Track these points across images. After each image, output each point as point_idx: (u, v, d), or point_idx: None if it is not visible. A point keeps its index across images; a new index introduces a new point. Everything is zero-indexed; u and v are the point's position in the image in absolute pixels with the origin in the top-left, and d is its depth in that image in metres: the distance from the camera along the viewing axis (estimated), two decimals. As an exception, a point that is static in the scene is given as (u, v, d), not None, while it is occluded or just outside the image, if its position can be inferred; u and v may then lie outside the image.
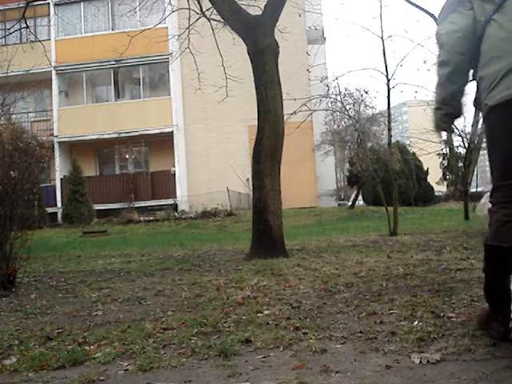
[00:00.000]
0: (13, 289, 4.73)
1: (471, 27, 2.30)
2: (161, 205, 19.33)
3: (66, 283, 5.08)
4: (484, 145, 3.01)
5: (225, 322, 2.89)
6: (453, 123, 2.50)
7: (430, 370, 1.96)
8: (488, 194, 2.37)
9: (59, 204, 19.40)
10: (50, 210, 17.73)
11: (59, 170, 19.73)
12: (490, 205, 2.28)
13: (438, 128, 2.50)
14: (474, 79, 2.39)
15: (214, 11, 7.49)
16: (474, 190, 17.03)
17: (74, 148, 21.33)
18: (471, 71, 2.39)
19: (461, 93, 2.38)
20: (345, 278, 4.20)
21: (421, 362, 2.04)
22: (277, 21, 6.89)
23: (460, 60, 2.32)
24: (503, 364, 1.96)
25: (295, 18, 10.88)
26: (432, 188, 28.66)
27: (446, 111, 2.40)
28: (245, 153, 17.36)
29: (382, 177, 13.57)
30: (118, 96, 22.00)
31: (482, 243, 2.34)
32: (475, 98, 2.41)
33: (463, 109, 2.41)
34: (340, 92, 13.99)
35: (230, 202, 17.98)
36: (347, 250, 6.60)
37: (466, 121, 14.74)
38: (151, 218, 17.42)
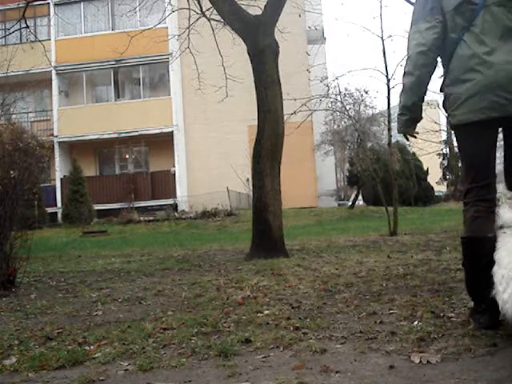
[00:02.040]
0: (13, 289, 4.73)
1: (437, 41, 2.45)
2: (161, 205, 19.33)
3: (66, 283, 5.08)
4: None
5: (225, 322, 2.89)
6: (415, 128, 2.65)
7: (430, 370, 1.96)
8: None
9: (59, 204, 19.39)
10: (50, 210, 17.72)
11: (59, 169, 19.73)
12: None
13: (403, 132, 2.66)
14: (441, 90, 2.56)
15: (214, 11, 7.49)
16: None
17: (74, 148, 21.33)
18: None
19: (421, 101, 2.56)
20: (345, 278, 4.20)
21: (421, 361, 2.04)
22: (277, 21, 6.89)
23: (424, 72, 2.49)
24: (503, 364, 1.96)
25: (295, 17, 10.86)
26: (432, 188, 28.63)
27: (409, 117, 2.57)
28: (245, 153, 17.33)
29: (382, 177, 13.56)
30: (117, 96, 21.99)
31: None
32: (443, 105, 2.59)
33: (421, 115, 2.60)
34: (340, 92, 14.03)
35: (230, 202, 17.97)
36: (347, 250, 6.60)
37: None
38: (151, 218, 17.41)
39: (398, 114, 2.60)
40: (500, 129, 2.51)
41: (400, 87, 2.69)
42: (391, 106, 10.35)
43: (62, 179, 19.89)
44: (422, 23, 2.46)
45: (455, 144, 17.69)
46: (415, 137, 2.69)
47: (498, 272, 2.13)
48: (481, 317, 2.36)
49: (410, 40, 2.54)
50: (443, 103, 2.58)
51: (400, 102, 2.58)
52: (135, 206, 19.06)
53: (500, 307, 2.08)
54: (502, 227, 2.30)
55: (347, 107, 15.10)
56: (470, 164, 2.48)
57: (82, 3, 21.07)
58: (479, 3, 2.35)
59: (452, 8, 2.40)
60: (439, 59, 2.55)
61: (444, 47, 2.47)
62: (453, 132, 2.65)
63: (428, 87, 2.57)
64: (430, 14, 2.44)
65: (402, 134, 2.72)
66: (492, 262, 2.20)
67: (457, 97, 2.42)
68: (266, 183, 6.34)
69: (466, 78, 2.38)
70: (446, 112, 2.57)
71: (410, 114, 2.56)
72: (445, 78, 2.52)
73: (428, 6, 2.45)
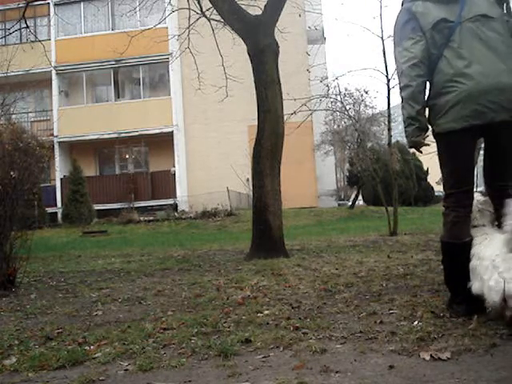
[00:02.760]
0: (13, 289, 4.73)
1: (426, 53, 2.63)
2: (161, 205, 19.32)
3: (66, 283, 5.08)
4: (483, 145, 3.17)
5: (225, 322, 2.89)
6: (424, 138, 2.75)
7: (430, 370, 1.96)
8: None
9: (59, 204, 19.38)
10: (50, 210, 17.70)
11: (59, 169, 19.71)
12: (479, 206, 2.71)
13: (414, 143, 2.76)
14: (426, 104, 2.70)
15: (214, 11, 7.49)
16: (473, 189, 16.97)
17: (74, 148, 21.32)
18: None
19: (424, 109, 2.69)
20: (345, 278, 4.20)
21: (432, 357, 2.06)
22: (277, 21, 6.89)
23: (420, 81, 2.64)
24: (503, 364, 1.97)
25: (295, 17, 10.86)
26: (432, 188, 28.59)
27: (416, 126, 2.68)
28: (245, 153, 17.32)
29: (382, 177, 13.55)
30: (117, 96, 21.98)
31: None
32: (428, 117, 2.73)
33: (427, 123, 2.72)
34: (340, 92, 14.00)
35: (230, 201, 17.96)
36: (347, 249, 6.60)
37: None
38: (151, 218, 17.40)
39: (405, 127, 2.71)
40: (480, 139, 2.73)
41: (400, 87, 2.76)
42: (391, 105, 10.34)
43: (62, 179, 19.88)
44: (407, 41, 2.64)
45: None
46: (428, 144, 2.76)
47: (482, 264, 2.43)
48: (458, 306, 2.63)
49: (398, 60, 2.71)
50: (428, 115, 2.72)
51: (404, 114, 2.71)
52: (135, 205, 19.05)
53: (486, 294, 2.36)
54: (475, 226, 2.67)
55: (347, 107, 15.07)
56: (451, 171, 2.68)
57: (81, 3, 21.06)
58: (455, 21, 2.58)
59: (430, 27, 2.61)
60: None
61: (428, 58, 2.63)
62: (435, 141, 2.76)
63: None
64: (412, 33, 2.64)
65: (412, 147, 2.83)
66: (468, 260, 2.55)
67: (440, 107, 2.60)
68: (266, 183, 6.34)
69: (447, 90, 2.56)
70: (431, 123, 2.70)
71: (417, 123, 2.67)
72: (429, 92, 2.68)
73: (408, 26, 2.66)
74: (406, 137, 2.76)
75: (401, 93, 2.72)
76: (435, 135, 2.70)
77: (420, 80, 2.62)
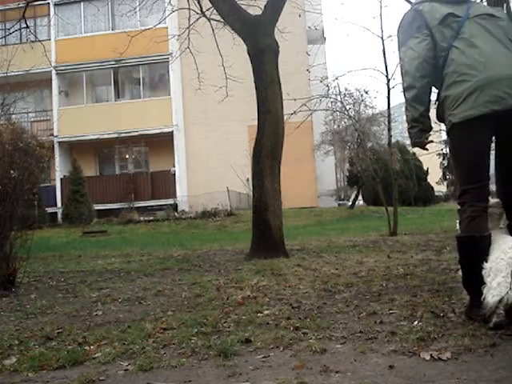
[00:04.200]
0: (13, 289, 4.73)
1: (431, 52, 2.58)
2: (161, 205, 19.32)
3: (66, 283, 5.08)
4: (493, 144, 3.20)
5: (225, 322, 2.89)
6: (427, 138, 2.73)
7: (430, 370, 1.96)
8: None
9: (59, 204, 19.38)
10: (50, 210, 17.71)
11: (59, 169, 19.71)
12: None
13: (417, 144, 2.74)
14: (437, 100, 2.67)
15: (214, 11, 7.49)
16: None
17: (74, 148, 21.32)
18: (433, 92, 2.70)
19: (428, 110, 2.66)
20: (345, 278, 4.20)
21: (432, 357, 2.05)
22: (277, 21, 6.89)
23: (424, 83, 2.60)
24: (503, 364, 1.96)
25: (295, 18, 10.86)
26: (432, 188, 28.62)
27: (420, 128, 2.66)
28: (245, 153, 17.32)
29: (382, 177, 13.53)
30: (118, 96, 21.98)
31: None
32: (437, 114, 2.69)
33: (431, 124, 2.70)
34: (340, 92, 14.00)
35: (229, 202, 17.97)
36: (347, 249, 6.60)
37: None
38: (151, 218, 17.41)
39: (409, 129, 2.69)
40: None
41: (400, 87, 2.75)
42: (391, 105, 10.35)
43: (62, 179, 19.88)
44: (412, 40, 2.61)
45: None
46: (432, 141, 2.74)
47: (485, 266, 2.39)
48: (480, 310, 2.43)
49: (402, 59, 2.67)
50: (437, 111, 2.68)
51: (407, 116, 2.68)
52: (135, 205, 19.05)
53: (484, 294, 2.32)
54: None
55: (347, 107, 15.08)
56: (467, 165, 2.56)
57: (81, 3, 21.06)
58: (463, 16, 2.55)
59: (437, 22, 2.57)
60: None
61: (434, 57, 2.59)
62: (448, 135, 2.70)
63: (430, 97, 2.67)
64: (417, 31, 2.60)
65: (417, 147, 2.79)
66: (487, 257, 2.41)
67: (456, 97, 2.51)
68: (266, 183, 6.34)
69: (463, 78, 2.50)
70: (443, 117, 2.64)
71: (420, 126, 2.65)
72: (441, 86, 2.62)
73: (414, 25, 2.62)
74: (410, 138, 2.74)
75: (404, 93, 2.68)
76: (449, 129, 2.60)
77: (424, 81, 2.59)
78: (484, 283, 2.36)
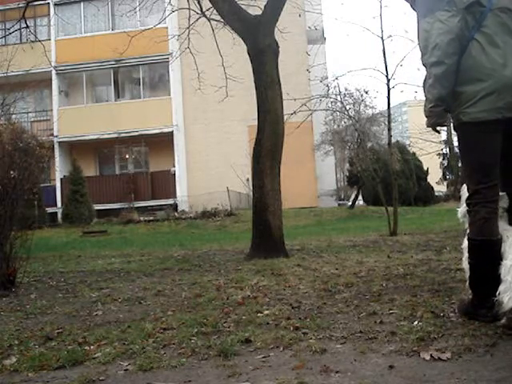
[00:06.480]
0: (13, 289, 4.73)
1: (462, 31, 2.42)
2: (161, 205, 19.32)
3: (66, 283, 5.08)
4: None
5: (225, 322, 2.89)
6: (446, 119, 2.60)
7: (430, 370, 1.96)
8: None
9: (59, 204, 19.38)
10: (50, 210, 17.71)
11: (59, 169, 19.70)
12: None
13: (437, 124, 2.60)
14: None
15: (214, 11, 7.49)
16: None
17: (74, 148, 21.32)
18: None
19: (452, 91, 2.48)
20: (345, 278, 4.20)
21: (432, 357, 2.05)
22: (277, 21, 6.88)
23: (454, 60, 2.43)
24: (503, 364, 1.96)
25: (295, 18, 10.86)
26: (432, 188, 28.64)
27: (443, 108, 2.51)
28: (245, 153, 17.33)
29: (382, 177, 13.54)
30: (118, 96, 21.99)
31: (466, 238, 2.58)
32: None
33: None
34: (340, 92, 14.02)
35: (229, 201, 17.97)
36: (347, 249, 6.60)
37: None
38: (151, 218, 17.41)
39: (431, 107, 2.51)
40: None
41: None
42: (391, 105, 10.35)
43: (62, 179, 19.88)
44: (442, 12, 2.40)
45: (455, 144, 17.72)
46: (447, 125, 2.61)
47: (505, 264, 2.30)
48: (488, 311, 2.41)
49: (428, 30, 2.45)
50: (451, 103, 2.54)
51: (433, 94, 2.48)
52: (135, 206, 19.05)
53: (501, 292, 2.26)
54: None
55: (347, 107, 15.09)
56: (478, 164, 2.48)
57: (81, 3, 21.06)
58: (487, 6, 2.42)
59: (464, 7, 2.41)
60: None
61: (463, 36, 2.43)
62: (456, 131, 2.62)
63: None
64: (448, 5, 2.41)
65: (433, 128, 2.67)
66: (500, 260, 2.35)
67: (471, 95, 2.42)
68: (266, 183, 6.34)
69: (481, 77, 2.40)
70: (453, 111, 2.52)
71: (445, 105, 2.49)
72: (456, 77, 2.47)
73: None
74: (428, 117, 2.56)
75: (431, 68, 2.46)
76: (459, 125, 2.51)
77: (455, 58, 2.41)
78: (497, 284, 2.30)
